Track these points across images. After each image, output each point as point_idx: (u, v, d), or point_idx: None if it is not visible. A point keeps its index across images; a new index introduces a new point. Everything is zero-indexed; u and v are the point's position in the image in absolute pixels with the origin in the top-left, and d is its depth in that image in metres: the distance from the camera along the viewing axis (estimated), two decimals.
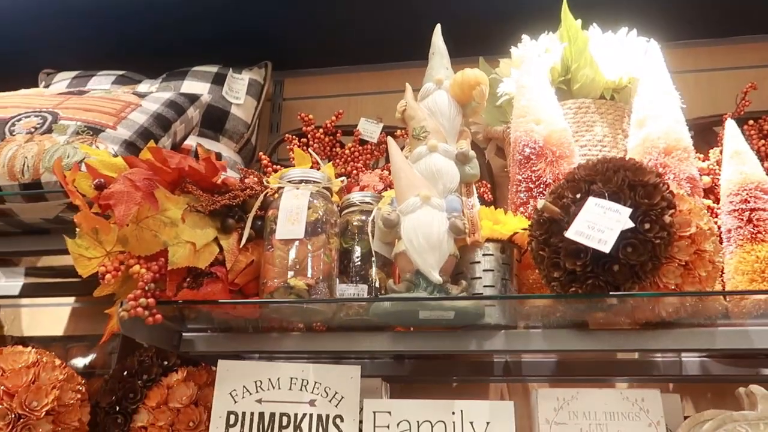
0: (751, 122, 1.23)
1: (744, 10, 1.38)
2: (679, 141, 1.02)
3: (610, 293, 0.76)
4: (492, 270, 0.91)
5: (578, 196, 0.81)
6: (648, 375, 1.13)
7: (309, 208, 0.85)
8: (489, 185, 1.29)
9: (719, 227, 1.00)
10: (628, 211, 0.75)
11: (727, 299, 0.93)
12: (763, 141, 1.22)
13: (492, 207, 1.01)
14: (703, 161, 1.15)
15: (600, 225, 0.74)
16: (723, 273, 0.97)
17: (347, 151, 1.34)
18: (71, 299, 1.34)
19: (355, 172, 1.30)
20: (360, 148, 1.35)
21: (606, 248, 0.72)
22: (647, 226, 0.75)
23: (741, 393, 0.79)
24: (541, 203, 0.82)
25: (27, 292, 1.29)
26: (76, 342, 1.17)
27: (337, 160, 1.35)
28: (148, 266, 0.77)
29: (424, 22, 1.06)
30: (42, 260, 1.34)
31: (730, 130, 1.05)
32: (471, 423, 0.85)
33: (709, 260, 0.80)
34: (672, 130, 1.03)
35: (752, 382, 1.10)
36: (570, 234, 0.75)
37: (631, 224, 0.74)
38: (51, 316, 1.34)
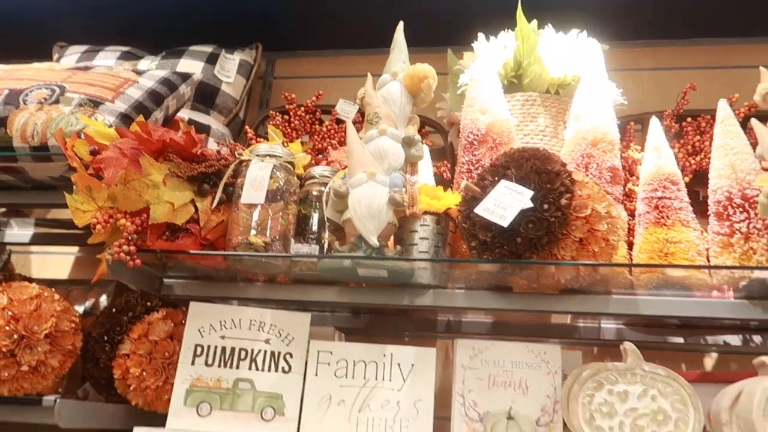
0: (689, 119, 1.35)
1: (696, 16, 1.50)
2: (606, 135, 1.16)
3: (511, 260, 0.91)
4: (427, 238, 1.06)
5: (495, 178, 0.96)
6: (572, 338, 1.29)
7: (271, 179, 1.00)
8: (449, 164, 1.44)
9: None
10: (531, 193, 0.90)
11: (631, 273, 1.08)
12: (699, 137, 1.35)
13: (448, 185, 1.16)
14: (640, 152, 1.29)
15: (504, 204, 0.89)
16: (631, 250, 1.12)
17: (324, 129, 1.49)
18: (74, 249, 1.51)
19: (330, 148, 1.45)
20: (336, 126, 1.49)
21: (505, 223, 0.87)
22: (546, 206, 0.90)
23: (621, 349, 0.94)
24: (464, 183, 0.97)
25: (36, 240, 1.46)
26: (76, 285, 1.34)
27: (316, 137, 1.50)
28: (132, 220, 0.93)
29: (405, 13, 1.20)
30: (50, 213, 1.51)
31: (653, 127, 1.19)
32: (398, 364, 1.02)
33: (603, 238, 0.95)
34: (601, 124, 1.17)
35: (661, 348, 1.27)
36: (478, 210, 0.90)
37: (530, 204, 0.89)
38: (56, 263, 1.51)
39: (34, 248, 1.53)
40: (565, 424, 0.95)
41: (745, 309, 0.99)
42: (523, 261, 0.92)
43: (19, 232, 1.45)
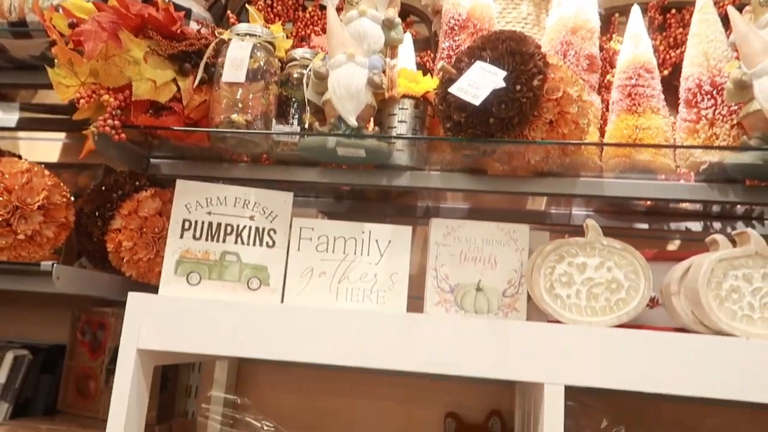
0: (673, 11, 1.35)
1: None
2: (586, 22, 1.16)
3: (483, 139, 0.95)
4: (405, 122, 1.09)
5: (471, 60, 0.97)
6: (544, 224, 1.36)
7: (251, 58, 1.02)
8: (432, 54, 1.44)
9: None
10: (504, 73, 0.92)
11: (601, 159, 1.13)
12: (681, 30, 1.35)
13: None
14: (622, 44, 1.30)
15: (478, 84, 0.92)
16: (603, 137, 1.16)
17: (307, 15, 1.47)
18: (62, 135, 1.53)
19: (313, 35, 1.45)
20: (320, 12, 1.47)
21: (476, 101, 0.90)
22: (518, 87, 0.93)
23: (584, 226, 1.00)
24: (440, 65, 0.99)
25: (23, 125, 1.47)
26: (65, 169, 1.38)
27: (299, 23, 1.48)
28: (115, 96, 0.95)
29: None
30: (36, 98, 1.52)
31: (633, 15, 1.19)
32: (376, 240, 1.08)
33: (573, 121, 0.99)
34: (582, 11, 1.17)
35: (628, 234, 1.34)
36: (452, 89, 0.93)
37: (503, 84, 0.92)
38: (44, 148, 1.54)
39: (21, 134, 1.55)
40: (529, 295, 1.03)
41: (704, 191, 1.04)
42: (494, 140, 0.95)
43: (5, 116, 1.46)
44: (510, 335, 0.91)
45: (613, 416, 1.25)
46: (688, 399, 1.25)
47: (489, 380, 1.33)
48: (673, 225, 1.33)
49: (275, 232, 1.08)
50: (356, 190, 1.34)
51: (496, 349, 0.91)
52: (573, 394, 1.25)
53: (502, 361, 0.90)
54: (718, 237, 0.97)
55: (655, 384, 0.87)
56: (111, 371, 1.28)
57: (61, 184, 1.05)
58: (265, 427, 1.21)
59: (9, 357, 1.23)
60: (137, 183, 1.14)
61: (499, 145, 0.97)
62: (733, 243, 0.97)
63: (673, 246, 1.38)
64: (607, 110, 1.20)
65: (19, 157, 1.11)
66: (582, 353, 0.89)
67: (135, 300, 0.96)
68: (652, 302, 1.10)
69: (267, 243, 1.07)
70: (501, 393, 1.34)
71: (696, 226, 1.32)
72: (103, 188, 1.12)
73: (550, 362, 0.89)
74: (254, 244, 1.07)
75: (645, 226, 1.33)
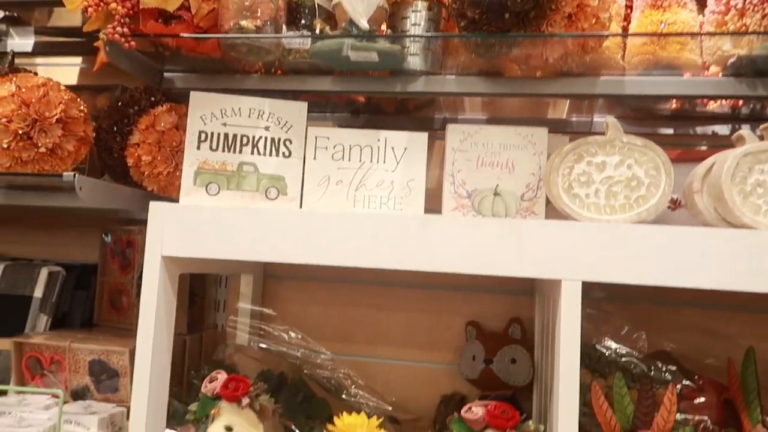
0: None
1: None
2: None
3: (499, 34, 0.92)
4: (419, 25, 1.06)
5: None
6: (565, 132, 1.33)
7: None
8: None
9: None
10: None
11: (623, 58, 1.09)
12: None
13: None
14: None
15: None
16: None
17: None
18: (78, 59, 1.53)
19: None
20: None
21: None
22: None
23: (604, 124, 0.97)
24: None
25: (39, 50, 1.48)
26: (83, 91, 1.38)
27: None
28: (123, 3, 0.94)
29: None
30: (51, 21, 1.51)
31: None
32: (392, 148, 1.07)
33: (593, 14, 0.95)
34: None
35: (652, 140, 1.30)
36: None
37: None
38: (62, 73, 1.54)
39: (38, 60, 1.55)
40: (547, 199, 1.02)
41: (732, 86, 1.01)
42: (511, 35, 0.92)
43: (21, 41, 1.46)
44: (527, 234, 0.91)
45: (633, 323, 1.26)
46: (706, 303, 1.26)
47: (509, 289, 1.35)
48: (699, 129, 1.29)
49: (291, 142, 1.08)
50: (372, 104, 1.32)
51: (514, 248, 0.91)
52: (593, 302, 1.26)
53: (520, 260, 0.90)
54: (745, 132, 0.94)
55: (675, 278, 0.86)
56: (141, 286, 1.32)
57: (77, 98, 1.06)
58: (292, 334, 1.25)
59: (44, 273, 1.29)
60: (153, 98, 1.14)
61: (515, 41, 0.94)
62: (761, 140, 0.94)
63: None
64: (631, 11, 1.14)
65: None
66: (599, 249, 0.88)
67: (157, 209, 0.98)
68: (675, 204, 1.08)
69: (283, 153, 1.07)
70: (521, 302, 1.36)
71: (723, 129, 1.28)
72: (120, 104, 1.13)
73: (567, 259, 0.89)
74: (270, 155, 1.07)
75: (670, 131, 1.29)
